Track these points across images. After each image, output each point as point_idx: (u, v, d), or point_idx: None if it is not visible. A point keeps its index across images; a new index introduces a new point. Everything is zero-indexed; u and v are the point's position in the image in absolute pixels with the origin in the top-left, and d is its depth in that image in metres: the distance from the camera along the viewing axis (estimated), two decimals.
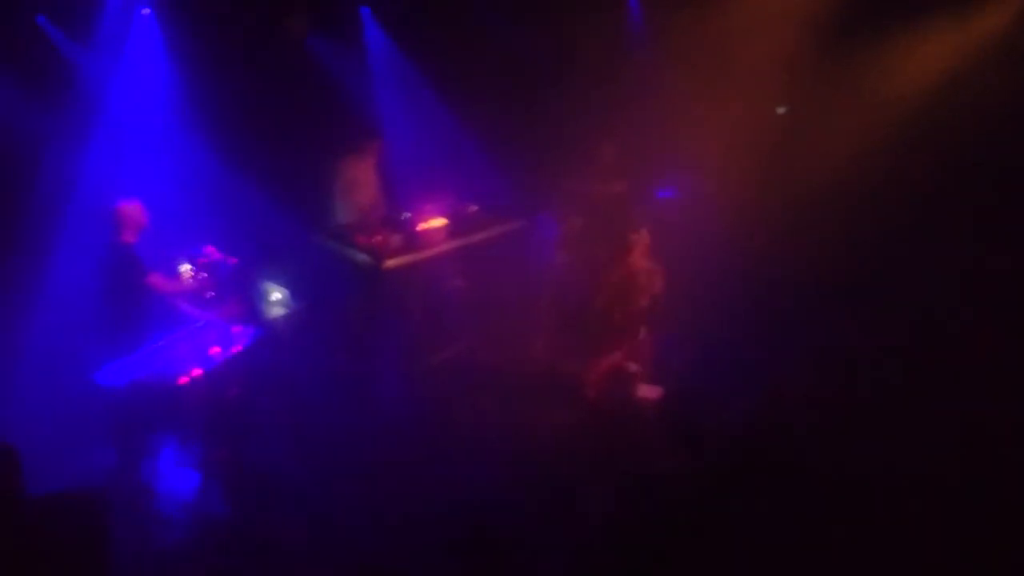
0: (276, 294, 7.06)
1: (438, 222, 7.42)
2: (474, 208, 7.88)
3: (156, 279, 5.62)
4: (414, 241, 7.11)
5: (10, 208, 6.65)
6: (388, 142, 7.93)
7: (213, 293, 6.19)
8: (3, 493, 3.46)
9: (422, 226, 7.33)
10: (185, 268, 6.21)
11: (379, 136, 7.85)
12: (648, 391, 6.36)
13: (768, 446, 5.14)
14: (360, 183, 7.59)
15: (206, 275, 6.22)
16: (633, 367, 6.69)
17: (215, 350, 5.77)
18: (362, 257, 6.92)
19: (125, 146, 7.35)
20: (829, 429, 5.59)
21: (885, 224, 7.83)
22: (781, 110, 9.08)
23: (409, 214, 7.43)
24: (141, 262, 5.54)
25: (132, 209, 5.54)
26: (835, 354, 6.78)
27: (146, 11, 7.48)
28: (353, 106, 8.68)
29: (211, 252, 6.42)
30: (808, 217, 8.19)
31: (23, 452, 3.59)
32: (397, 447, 5.70)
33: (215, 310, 6.04)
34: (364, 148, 7.66)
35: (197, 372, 5.55)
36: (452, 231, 7.33)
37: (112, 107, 7.36)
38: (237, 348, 5.88)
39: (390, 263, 6.80)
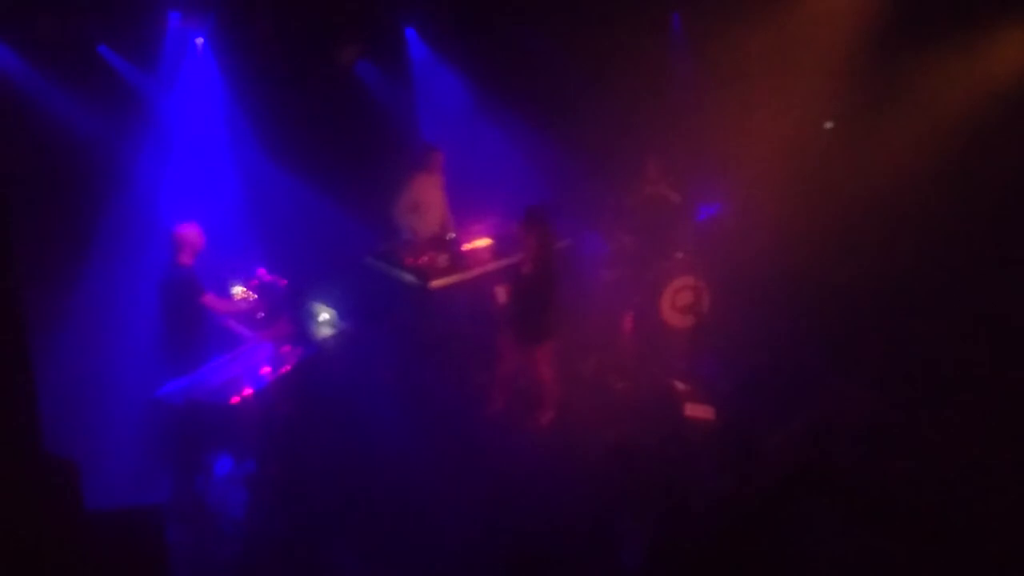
0: (325, 314, 7.15)
1: (484, 242, 7.47)
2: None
3: (210, 300, 5.75)
4: (460, 261, 7.15)
5: (76, 229, 6.90)
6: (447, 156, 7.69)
7: (264, 314, 6.30)
8: (64, 507, 3.54)
9: (468, 246, 7.38)
10: (238, 289, 6.34)
11: (438, 149, 7.61)
12: (699, 410, 6.27)
13: (816, 469, 5.04)
14: (426, 202, 7.47)
15: (257, 296, 6.34)
16: (681, 386, 6.62)
17: (266, 370, 5.85)
18: (409, 277, 6.98)
19: (182, 169, 7.57)
20: (878, 452, 5.46)
21: (934, 240, 7.66)
22: (828, 125, 8.95)
23: (455, 234, 7.48)
24: (198, 283, 5.66)
25: (190, 232, 5.67)
26: (886, 374, 6.61)
27: (200, 40, 7.72)
28: (404, 125, 8.81)
29: (262, 274, 6.54)
30: (855, 232, 8.05)
31: (83, 467, 3.67)
32: (444, 465, 5.70)
33: (266, 330, 6.14)
34: (426, 164, 7.48)
35: (248, 391, 5.64)
36: (498, 251, 7.36)
37: (171, 132, 7.61)
38: (287, 368, 5.97)
39: (436, 283, 6.84)
